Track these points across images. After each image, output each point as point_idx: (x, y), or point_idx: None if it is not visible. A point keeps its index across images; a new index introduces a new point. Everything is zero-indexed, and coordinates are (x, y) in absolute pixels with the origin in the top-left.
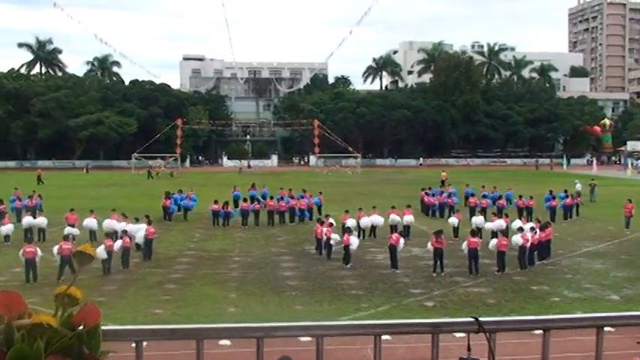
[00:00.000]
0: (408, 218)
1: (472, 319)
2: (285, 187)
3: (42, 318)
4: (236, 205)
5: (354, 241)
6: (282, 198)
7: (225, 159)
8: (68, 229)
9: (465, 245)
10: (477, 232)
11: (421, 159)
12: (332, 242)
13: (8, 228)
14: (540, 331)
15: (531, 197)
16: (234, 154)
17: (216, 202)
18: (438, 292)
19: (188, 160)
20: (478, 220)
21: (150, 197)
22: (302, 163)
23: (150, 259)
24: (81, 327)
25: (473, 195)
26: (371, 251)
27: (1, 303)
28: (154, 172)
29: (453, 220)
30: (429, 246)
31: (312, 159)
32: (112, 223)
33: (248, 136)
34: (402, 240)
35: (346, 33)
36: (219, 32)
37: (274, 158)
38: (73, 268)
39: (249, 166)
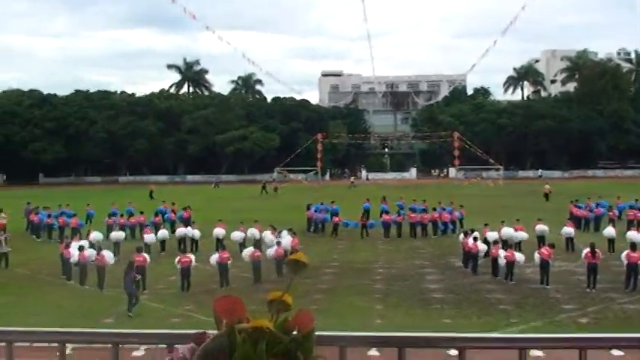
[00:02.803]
0: (568, 230)
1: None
2: (426, 200)
3: (262, 322)
4: (368, 217)
5: (519, 257)
6: (424, 210)
7: (364, 172)
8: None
9: (623, 257)
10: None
11: (540, 171)
12: (480, 255)
13: (162, 234)
14: None
15: None
16: (373, 167)
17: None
18: (592, 309)
19: (328, 174)
20: (633, 234)
21: (293, 209)
22: (441, 175)
23: None
24: (295, 332)
25: (632, 207)
26: (518, 264)
27: (223, 307)
28: (272, 188)
29: (610, 231)
30: (585, 260)
31: (452, 171)
32: (253, 233)
33: (386, 149)
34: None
35: (484, 44)
36: (355, 48)
37: (413, 171)
38: (227, 276)
39: (352, 182)
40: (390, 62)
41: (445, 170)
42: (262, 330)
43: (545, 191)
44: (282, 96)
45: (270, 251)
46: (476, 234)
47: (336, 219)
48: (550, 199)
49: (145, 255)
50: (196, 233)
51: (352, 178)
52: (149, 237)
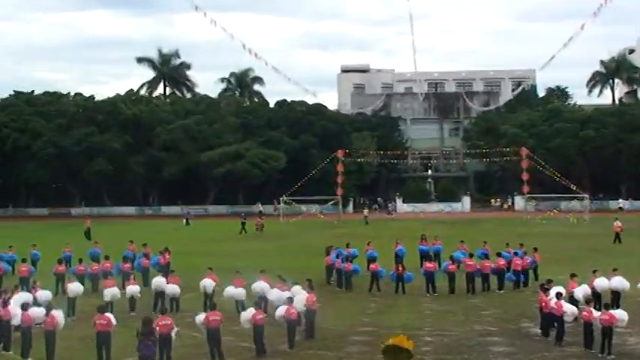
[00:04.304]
0: None
1: None
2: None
3: None
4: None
5: (620, 314)
6: (486, 256)
7: (399, 202)
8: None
9: None
10: None
11: (620, 202)
12: (566, 318)
13: (133, 289)
14: None
15: None
16: (412, 196)
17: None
18: None
19: (351, 204)
20: None
21: (303, 254)
22: (505, 207)
23: (312, 337)
24: None
25: None
26: (616, 331)
27: None
28: (257, 224)
29: None
30: None
31: (519, 201)
32: (262, 287)
33: (430, 171)
34: None
35: (563, 28)
36: (385, 35)
37: (466, 200)
38: (219, 347)
39: (389, 211)
40: (433, 54)
41: (510, 200)
42: None
43: (615, 229)
44: (289, 99)
45: (280, 311)
46: (559, 288)
47: (373, 266)
48: (623, 241)
49: (110, 316)
50: (174, 288)
51: (366, 211)
52: (133, 288)
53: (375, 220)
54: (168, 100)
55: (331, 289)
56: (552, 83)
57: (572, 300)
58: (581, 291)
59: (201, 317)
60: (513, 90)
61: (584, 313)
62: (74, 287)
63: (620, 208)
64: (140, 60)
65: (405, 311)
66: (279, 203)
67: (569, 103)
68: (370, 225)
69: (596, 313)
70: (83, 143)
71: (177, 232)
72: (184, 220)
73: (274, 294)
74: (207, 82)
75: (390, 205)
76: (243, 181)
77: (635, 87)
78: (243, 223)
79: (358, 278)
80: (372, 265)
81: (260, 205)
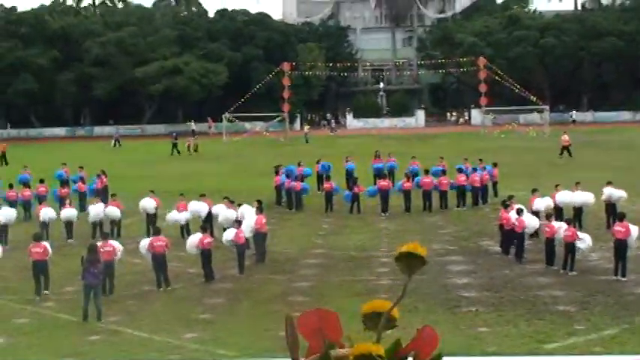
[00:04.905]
0: None
1: None
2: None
3: (368, 347)
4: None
5: (585, 239)
6: (443, 172)
7: (349, 117)
8: (172, 216)
9: None
10: None
11: (573, 113)
12: (527, 231)
13: (68, 212)
14: None
15: None
16: (363, 111)
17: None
18: None
19: (298, 121)
20: None
21: (250, 174)
22: (461, 120)
23: (263, 261)
24: (410, 358)
25: None
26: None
27: (310, 326)
28: (189, 145)
29: None
30: None
31: (477, 114)
32: (201, 208)
33: (381, 84)
34: (635, 230)
35: None
36: None
37: (420, 115)
38: (165, 274)
39: (331, 128)
40: None
41: (467, 113)
42: (371, 358)
43: (563, 143)
44: (230, 8)
45: (228, 235)
46: (519, 205)
47: (327, 185)
48: (573, 155)
49: (46, 244)
50: (115, 211)
51: (306, 128)
52: (70, 212)
53: (319, 138)
54: (97, 10)
55: (282, 211)
56: None
57: (534, 215)
58: (543, 203)
59: (144, 243)
60: None
61: (546, 228)
62: (5, 213)
63: (573, 120)
64: None
65: (360, 232)
66: (214, 121)
67: (528, 10)
68: (316, 142)
69: (559, 227)
70: (5, 59)
71: (108, 154)
72: (113, 142)
73: (221, 216)
74: None
75: (332, 120)
76: (181, 98)
77: None
78: (174, 144)
79: (309, 198)
80: (325, 184)
81: (193, 124)
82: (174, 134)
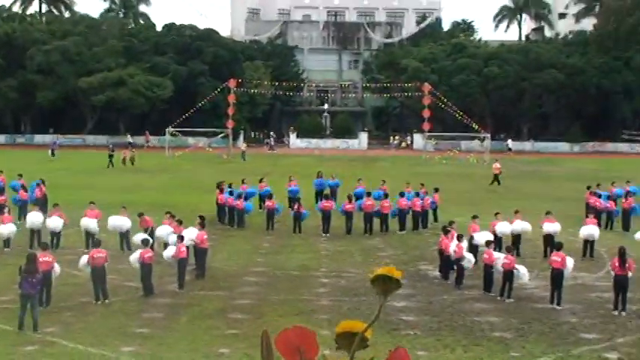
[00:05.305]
0: (590, 230)
1: None
2: (385, 182)
3: None
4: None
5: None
6: (385, 195)
7: (292, 137)
8: (114, 222)
9: None
10: None
11: (509, 142)
12: (464, 263)
13: (8, 228)
14: None
15: None
16: (307, 131)
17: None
18: (623, 340)
19: (242, 137)
20: None
21: (192, 189)
22: (403, 144)
23: (203, 276)
24: None
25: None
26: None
27: (288, 344)
28: (125, 156)
29: None
30: (611, 270)
31: (419, 139)
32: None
33: (326, 105)
34: (570, 261)
35: None
36: None
37: (363, 137)
38: (104, 286)
39: (270, 146)
40: None
41: (409, 138)
42: None
43: (494, 171)
44: (177, 23)
45: (169, 251)
46: (481, 234)
47: (269, 203)
48: (502, 183)
49: None
50: (57, 222)
51: (244, 146)
52: (9, 228)
53: (260, 156)
54: (43, 18)
55: (223, 227)
56: (458, 17)
57: (472, 245)
58: (482, 237)
59: (84, 259)
60: (418, 23)
61: (485, 255)
62: None
63: (509, 149)
64: None
65: (301, 251)
66: (151, 135)
67: (474, 39)
68: (257, 161)
69: (497, 256)
70: None
71: (46, 163)
72: (49, 151)
73: (162, 230)
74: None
75: (271, 139)
76: (125, 109)
77: (542, 23)
78: (110, 156)
79: (251, 217)
80: (267, 203)
81: (129, 137)
82: (110, 145)
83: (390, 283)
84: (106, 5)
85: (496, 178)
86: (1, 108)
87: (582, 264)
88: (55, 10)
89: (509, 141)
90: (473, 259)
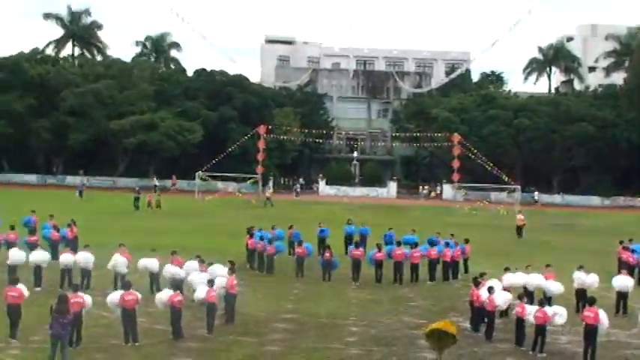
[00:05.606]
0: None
1: None
2: (416, 230)
3: None
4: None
5: (557, 311)
6: (415, 244)
7: (322, 184)
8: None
9: None
10: None
11: (536, 193)
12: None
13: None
14: None
15: None
16: (336, 178)
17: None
18: None
19: (271, 184)
20: None
21: (220, 234)
22: (433, 194)
23: (233, 321)
24: None
25: None
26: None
27: None
28: (149, 200)
29: None
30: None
31: (448, 189)
32: (175, 269)
33: (355, 153)
34: (605, 318)
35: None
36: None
37: (392, 186)
38: (134, 328)
39: (297, 192)
40: (365, 30)
41: (438, 187)
42: None
43: (517, 222)
44: (208, 68)
45: (199, 294)
46: (491, 282)
47: (299, 250)
48: (524, 235)
49: (22, 288)
50: (89, 259)
51: (269, 192)
52: (39, 255)
53: (288, 202)
54: (76, 61)
55: (253, 273)
56: (488, 68)
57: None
58: (513, 286)
59: (114, 296)
60: (447, 73)
61: (517, 308)
62: None
63: (535, 201)
64: (47, 15)
65: (330, 299)
66: (180, 178)
67: (503, 90)
68: (287, 207)
69: (529, 309)
70: None
71: (76, 204)
72: (77, 192)
73: (193, 275)
74: (122, 45)
75: (297, 185)
76: (155, 153)
77: (572, 76)
78: (136, 199)
79: (281, 263)
80: (297, 249)
81: (156, 180)
82: (137, 188)
83: (446, 338)
84: (138, 50)
85: (519, 229)
86: (34, 148)
87: (615, 320)
88: (87, 54)
89: (536, 193)
90: (510, 298)
